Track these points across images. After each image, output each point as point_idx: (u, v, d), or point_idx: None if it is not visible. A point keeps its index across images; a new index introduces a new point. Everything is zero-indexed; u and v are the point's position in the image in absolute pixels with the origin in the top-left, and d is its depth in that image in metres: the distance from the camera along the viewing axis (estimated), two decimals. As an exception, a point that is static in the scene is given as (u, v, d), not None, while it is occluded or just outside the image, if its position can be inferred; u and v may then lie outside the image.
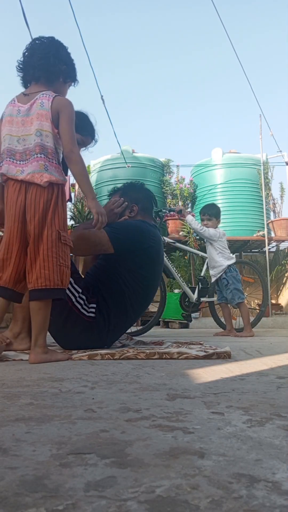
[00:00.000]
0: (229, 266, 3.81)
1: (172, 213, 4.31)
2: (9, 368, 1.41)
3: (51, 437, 0.62)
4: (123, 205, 2.20)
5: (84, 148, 2.51)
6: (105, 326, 1.98)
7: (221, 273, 3.84)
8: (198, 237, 6.32)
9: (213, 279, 4.00)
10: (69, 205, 6.72)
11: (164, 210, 4.15)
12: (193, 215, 4.62)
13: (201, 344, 2.26)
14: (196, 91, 17.47)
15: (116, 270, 2.03)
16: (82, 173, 1.71)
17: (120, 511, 0.39)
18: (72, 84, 1.91)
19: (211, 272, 3.98)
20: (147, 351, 1.77)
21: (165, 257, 4.05)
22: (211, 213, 3.97)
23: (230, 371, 1.33)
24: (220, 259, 3.85)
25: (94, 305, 1.99)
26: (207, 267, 4.55)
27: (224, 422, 0.71)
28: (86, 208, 6.30)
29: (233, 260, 3.89)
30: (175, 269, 4.07)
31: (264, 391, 0.98)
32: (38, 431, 0.65)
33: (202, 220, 3.98)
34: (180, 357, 1.70)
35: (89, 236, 1.96)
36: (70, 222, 6.50)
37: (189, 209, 6.92)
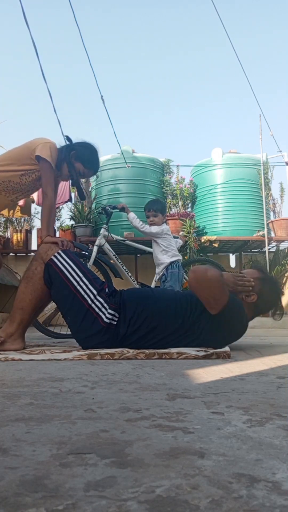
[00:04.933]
0: (172, 263, 3.68)
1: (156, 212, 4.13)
2: (9, 368, 1.41)
3: (51, 437, 0.62)
4: (247, 289, 2.03)
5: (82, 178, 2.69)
6: (122, 340, 1.95)
7: (163, 271, 3.70)
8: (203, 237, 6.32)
9: (156, 278, 3.84)
10: (69, 205, 6.72)
11: (108, 208, 4.04)
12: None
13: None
14: (196, 91, 17.47)
15: (181, 314, 1.93)
16: None
17: (120, 511, 0.39)
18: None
19: (156, 270, 3.83)
20: (147, 351, 1.77)
21: (114, 255, 3.90)
22: (157, 208, 3.81)
23: (230, 371, 1.33)
24: (163, 257, 3.71)
25: (114, 312, 1.95)
26: None
27: (224, 422, 0.71)
28: (86, 208, 6.30)
29: (176, 258, 3.75)
30: (125, 268, 3.89)
31: (264, 391, 0.98)
32: (38, 431, 0.65)
33: (148, 216, 3.81)
34: (179, 357, 1.70)
35: (218, 286, 1.83)
36: (70, 222, 6.50)
37: (189, 209, 6.91)
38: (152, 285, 4.09)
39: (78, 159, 2.54)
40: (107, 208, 3.98)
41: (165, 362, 1.58)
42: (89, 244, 3.93)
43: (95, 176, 2.72)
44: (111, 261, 3.76)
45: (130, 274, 3.94)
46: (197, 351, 1.77)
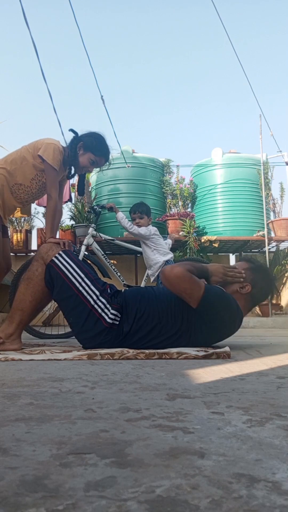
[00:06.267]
0: (166, 262, 3.63)
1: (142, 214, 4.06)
2: (9, 368, 1.41)
3: (51, 437, 0.62)
4: (238, 280, 2.07)
5: (98, 169, 2.67)
6: (125, 338, 1.95)
7: (158, 271, 3.60)
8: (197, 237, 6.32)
9: (152, 279, 3.79)
10: (69, 205, 6.72)
11: (99, 209, 4.00)
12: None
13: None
14: (196, 91, 17.47)
15: (176, 311, 1.95)
16: None
17: (120, 511, 0.39)
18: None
19: (149, 272, 3.78)
20: (147, 351, 1.77)
21: (102, 255, 3.84)
22: (142, 210, 3.82)
23: (230, 371, 1.33)
24: (155, 256, 3.67)
25: (116, 312, 1.95)
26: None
27: (224, 422, 0.71)
28: (86, 208, 6.29)
29: (170, 256, 3.72)
30: (113, 267, 3.84)
31: (264, 391, 0.98)
32: (38, 431, 0.65)
33: (133, 219, 3.82)
34: (179, 357, 1.70)
35: (187, 281, 1.87)
36: (70, 222, 6.50)
37: (189, 209, 6.91)
38: (142, 285, 4.08)
39: (87, 149, 2.55)
40: (95, 207, 3.95)
41: (165, 362, 1.58)
42: (77, 244, 3.89)
43: (107, 164, 2.69)
44: (100, 261, 3.74)
45: (119, 274, 3.90)
46: (197, 351, 1.77)
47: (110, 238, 4.22)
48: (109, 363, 1.55)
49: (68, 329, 3.20)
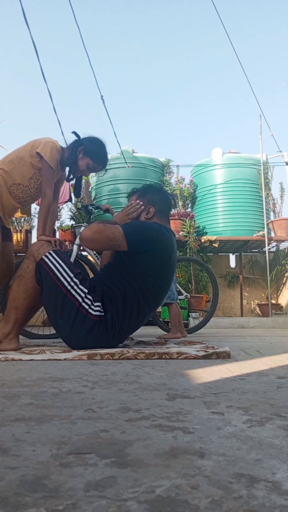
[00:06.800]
0: None
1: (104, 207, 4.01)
2: (9, 368, 1.41)
3: (51, 437, 0.62)
4: (140, 209, 2.21)
5: (93, 174, 2.69)
6: (112, 326, 1.98)
7: None
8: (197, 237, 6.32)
9: None
10: (69, 205, 6.72)
11: (91, 207, 3.95)
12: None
13: (203, 343, 2.26)
14: (196, 91, 17.48)
15: (127, 271, 2.03)
16: None
17: (120, 511, 0.39)
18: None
19: None
20: (147, 351, 1.77)
21: (94, 254, 3.87)
22: None
23: (230, 371, 1.33)
24: None
25: (99, 304, 1.99)
26: None
27: (224, 422, 0.71)
28: (78, 206, 6.30)
29: None
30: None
31: (264, 391, 0.98)
32: (38, 431, 0.65)
33: None
34: (179, 357, 1.70)
35: (104, 230, 1.97)
36: (70, 222, 6.50)
37: (189, 209, 6.91)
38: None
39: (86, 154, 2.56)
40: (89, 206, 3.91)
41: (165, 362, 1.58)
42: (69, 244, 3.82)
43: (103, 171, 2.72)
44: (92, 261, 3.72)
45: None
46: (197, 351, 1.78)
47: None
48: (109, 363, 1.55)
49: None
